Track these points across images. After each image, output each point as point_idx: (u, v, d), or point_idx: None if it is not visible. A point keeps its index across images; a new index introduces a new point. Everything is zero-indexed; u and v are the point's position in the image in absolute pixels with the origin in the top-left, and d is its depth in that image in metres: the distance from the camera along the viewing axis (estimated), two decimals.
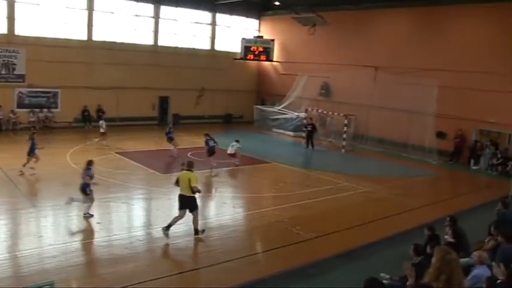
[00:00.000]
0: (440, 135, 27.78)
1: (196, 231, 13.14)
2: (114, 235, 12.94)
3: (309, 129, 29.75)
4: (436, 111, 27.01)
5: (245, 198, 18.19)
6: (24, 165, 18.88)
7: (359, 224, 15.37)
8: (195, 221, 13.13)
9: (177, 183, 13.26)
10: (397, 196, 19.43)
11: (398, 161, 27.21)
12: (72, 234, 13.08)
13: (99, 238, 12.71)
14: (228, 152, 22.97)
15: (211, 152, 21.59)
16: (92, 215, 14.13)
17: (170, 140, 25.22)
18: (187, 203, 13.03)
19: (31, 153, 19.16)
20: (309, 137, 29.53)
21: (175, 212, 12.99)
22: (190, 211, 13.08)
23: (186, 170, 13.29)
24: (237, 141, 23.48)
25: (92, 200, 14.35)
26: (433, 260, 5.83)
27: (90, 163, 14.86)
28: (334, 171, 22.48)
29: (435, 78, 26.76)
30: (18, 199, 15.68)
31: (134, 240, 12.62)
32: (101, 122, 27.20)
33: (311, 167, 24.18)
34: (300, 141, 31.46)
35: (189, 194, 12.94)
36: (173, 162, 23.11)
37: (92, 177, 14.67)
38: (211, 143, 21.68)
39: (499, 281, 6.82)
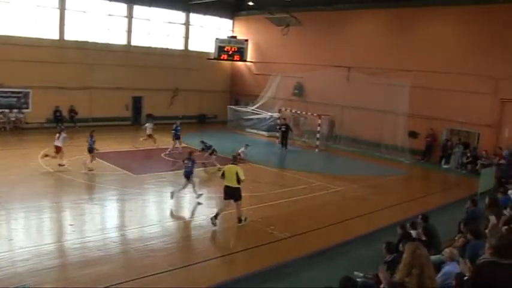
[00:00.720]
0: (413, 134, 28.19)
1: (239, 220, 14.44)
2: (88, 237, 12.81)
3: (283, 129, 29.78)
4: (408, 111, 27.39)
5: (220, 199, 18.11)
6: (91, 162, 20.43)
7: (333, 223, 15.52)
8: (238, 210, 14.49)
9: (222, 176, 14.51)
10: (371, 195, 19.66)
11: (371, 161, 27.52)
12: (45, 236, 12.89)
13: (72, 240, 12.52)
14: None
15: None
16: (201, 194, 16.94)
17: (177, 137, 25.35)
18: (232, 194, 14.37)
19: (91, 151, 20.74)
20: (283, 137, 29.59)
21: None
22: (235, 200, 14.41)
23: (232, 163, 14.76)
24: (247, 145, 23.45)
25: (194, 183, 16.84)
26: (404, 255, 5.94)
27: (190, 154, 17.31)
28: (308, 171, 22.62)
29: (407, 79, 27.14)
30: None
31: (108, 242, 12.52)
32: (148, 124, 26.96)
33: (285, 167, 24.30)
34: (274, 141, 31.57)
35: (235, 185, 14.29)
36: (150, 163, 23.03)
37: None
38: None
39: (465, 277, 6.98)
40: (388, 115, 28.23)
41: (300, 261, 12.00)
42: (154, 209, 16.57)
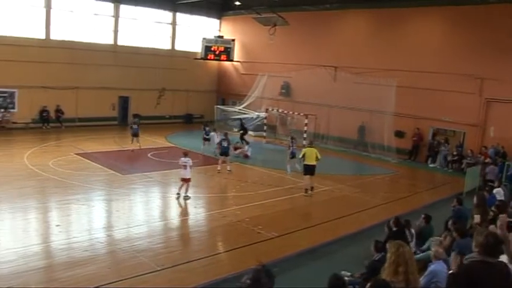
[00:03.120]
0: (399, 134, 28.35)
1: (306, 190, 18.81)
2: (74, 237, 12.74)
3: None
4: (394, 110, 27.56)
5: (206, 198, 18.19)
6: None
7: (321, 222, 15.60)
8: (310, 182, 18.86)
9: (302, 156, 18.93)
10: (358, 194, 19.78)
11: (358, 160, 27.66)
12: (31, 237, 12.80)
13: (58, 241, 12.45)
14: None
15: (224, 152, 22.13)
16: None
17: (207, 140, 26.15)
18: (311, 170, 18.72)
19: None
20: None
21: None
22: (312, 174, 18.75)
23: (309, 146, 19.55)
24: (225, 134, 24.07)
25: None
26: (388, 254, 5.99)
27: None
28: (295, 171, 22.66)
29: (393, 78, 27.29)
30: None
31: (95, 243, 12.47)
32: (212, 133, 26.65)
33: (272, 167, 24.31)
34: (261, 140, 31.60)
35: (314, 163, 18.68)
36: (137, 163, 22.98)
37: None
38: (224, 144, 22.19)
39: (451, 271, 7.05)
40: (375, 115, 28.41)
41: (288, 260, 12.02)
42: (141, 209, 16.53)
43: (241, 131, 28.67)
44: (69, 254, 11.61)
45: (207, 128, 26.81)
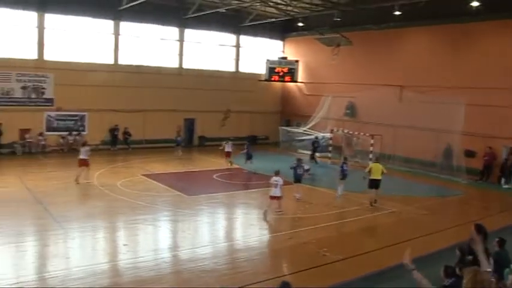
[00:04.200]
0: (469, 153, 27.26)
1: (371, 203, 19.82)
2: (141, 257, 12.88)
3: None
4: (463, 129, 26.61)
5: (272, 220, 18.04)
6: None
7: (388, 245, 15.08)
8: (375, 196, 19.90)
9: (369, 171, 20.12)
10: (426, 216, 19.06)
11: (426, 181, 26.76)
12: (99, 255, 13.08)
13: (125, 260, 12.63)
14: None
15: (297, 180, 20.72)
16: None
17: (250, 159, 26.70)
18: (377, 184, 19.91)
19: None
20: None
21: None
22: (377, 188, 19.93)
23: (375, 162, 21.01)
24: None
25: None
26: (464, 281, 5.64)
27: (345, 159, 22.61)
28: (361, 192, 22.21)
29: (462, 96, 26.40)
30: (47, 220, 15.77)
31: (160, 262, 12.55)
32: (225, 141, 27.95)
33: (337, 188, 23.88)
34: (326, 161, 31.23)
35: (379, 177, 19.88)
36: (203, 184, 23.16)
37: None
38: (300, 171, 20.65)
39: None
40: (443, 134, 27.51)
41: (353, 283, 11.67)
42: (207, 230, 16.55)
43: (313, 151, 29.44)
44: (136, 273, 11.71)
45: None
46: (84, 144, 23.35)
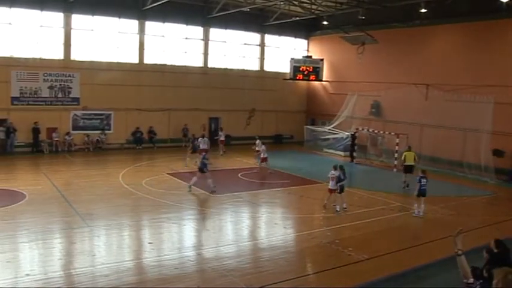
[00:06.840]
0: (498, 153, 26.75)
1: (404, 187, 22.67)
2: (165, 255, 12.95)
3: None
4: (492, 128, 26.17)
5: (296, 219, 17.98)
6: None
7: (413, 245, 14.90)
8: (409, 180, 22.18)
9: (404, 159, 22.88)
10: (453, 217, 18.76)
11: (453, 180, 26.35)
12: (124, 253, 13.18)
13: (150, 258, 12.72)
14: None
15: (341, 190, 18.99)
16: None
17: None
18: (411, 169, 22.65)
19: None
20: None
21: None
22: (411, 173, 22.42)
23: (408, 150, 23.34)
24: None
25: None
26: (494, 281, 5.51)
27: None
28: (386, 192, 21.98)
29: (490, 94, 25.97)
30: (73, 218, 15.96)
31: (185, 261, 12.59)
32: (258, 141, 27.75)
33: (362, 188, 23.72)
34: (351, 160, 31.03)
35: (413, 163, 22.71)
36: (227, 182, 23.17)
37: None
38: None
39: None
40: (470, 133, 27.10)
41: (378, 283, 11.55)
42: (231, 229, 16.57)
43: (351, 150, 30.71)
44: (160, 271, 11.78)
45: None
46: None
